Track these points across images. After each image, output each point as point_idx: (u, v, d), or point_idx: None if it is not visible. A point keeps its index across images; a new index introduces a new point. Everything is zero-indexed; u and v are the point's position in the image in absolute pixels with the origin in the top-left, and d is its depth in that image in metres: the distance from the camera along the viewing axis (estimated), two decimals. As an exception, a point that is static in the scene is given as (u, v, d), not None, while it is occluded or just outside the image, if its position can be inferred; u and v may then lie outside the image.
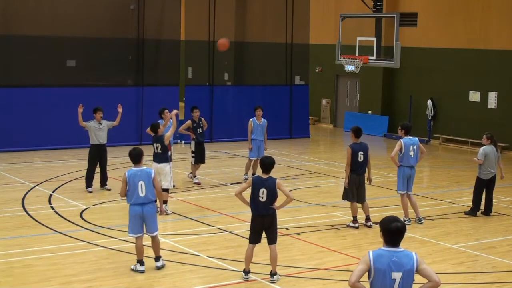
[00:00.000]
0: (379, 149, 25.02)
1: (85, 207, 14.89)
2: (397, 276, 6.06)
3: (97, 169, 16.53)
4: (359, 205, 13.77)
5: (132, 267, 10.87)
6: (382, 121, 28.68)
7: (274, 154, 22.03)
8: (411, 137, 14.15)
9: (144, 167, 10.81)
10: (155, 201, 11.02)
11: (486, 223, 14.62)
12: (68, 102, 21.44)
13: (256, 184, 10.29)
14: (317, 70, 31.33)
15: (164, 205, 13.99)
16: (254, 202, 10.33)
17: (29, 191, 16.33)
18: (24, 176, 18.03)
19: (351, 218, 13.78)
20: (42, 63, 24.06)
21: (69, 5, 24.76)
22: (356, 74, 26.18)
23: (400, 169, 14.12)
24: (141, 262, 10.80)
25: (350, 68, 22.59)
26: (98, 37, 24.88)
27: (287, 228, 13.41)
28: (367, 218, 13.82)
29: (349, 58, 22.69)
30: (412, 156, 14.02)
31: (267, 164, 10.35)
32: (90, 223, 13.54)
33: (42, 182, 17.32)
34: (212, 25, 25.91)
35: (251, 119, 18.18)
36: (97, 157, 16.38)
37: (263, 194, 10.22)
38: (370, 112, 29.40)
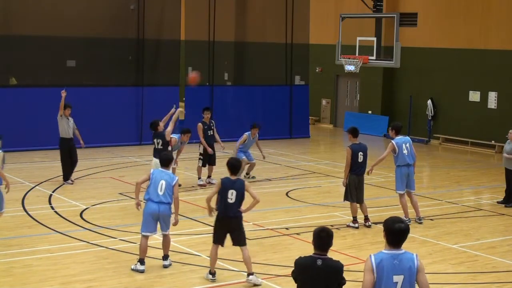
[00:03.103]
0: (379, 149, 24.96)
1: (85, 207, 14.89)
2: (398, 279, 6.02)
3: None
4: (358, 205, 13.79)
5: (132, 266, 10.87)
6: (382, 121, 28.66)
7: (274, 154, 22.04)
8: (401, 136, 14.17)
9: (170, 172, 10.95)
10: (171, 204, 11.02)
11: (486, 223, 14.63)
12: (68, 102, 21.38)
13: (225, 186, 10.24)
14: (317, 70, 31.32)
15: None
16: (222, 203, 10.26)
17: (29, 191, 16.32)
18: (24, 176, 18.01)
19: (351, 218, 13.80)
20: (42, 63, 24.04)
21: (69, 5, 24.73)
22: (356, 74, 26.18)
23: (397, 169, 14.12)
24: (141, 261, 10.81)
25: (350, 68, 22.59)
26: (98, 37, 24.83)
27: (287, 228, 13.42)
28: (366, 218, 13.84)
29: (349, 58, 22.70)
30: (407, 154, 14.01)
31: (232, 165, 10.30)
32: (90, 223, 13.54)
33: (42, 182, 17.31)
34: (212, 25, 25.91)
35: (246, 134, 18.04)
36: (67, 151, 16.59)
37: (232, 195, 10.19)
38: (370, 112, 29.40)
